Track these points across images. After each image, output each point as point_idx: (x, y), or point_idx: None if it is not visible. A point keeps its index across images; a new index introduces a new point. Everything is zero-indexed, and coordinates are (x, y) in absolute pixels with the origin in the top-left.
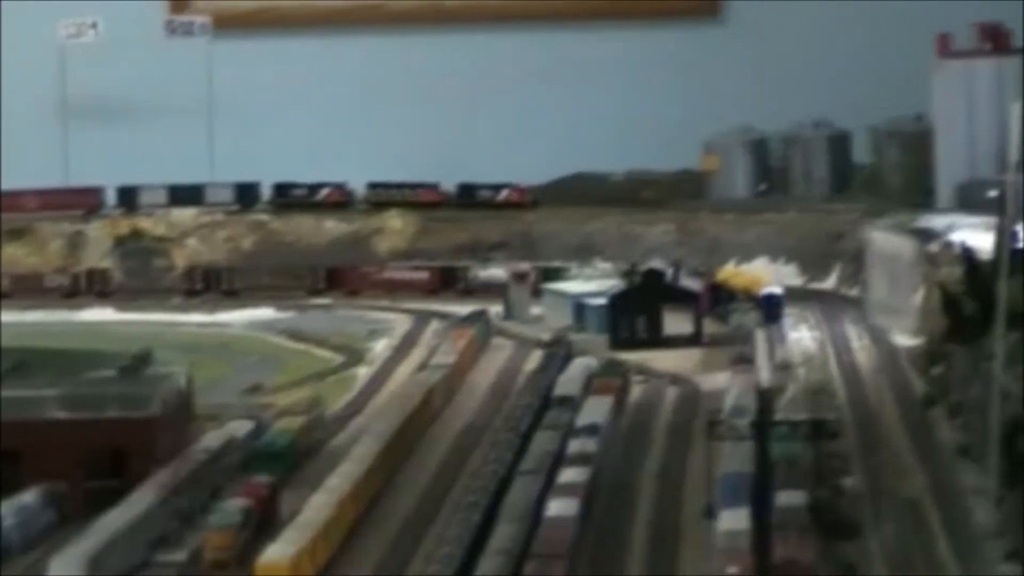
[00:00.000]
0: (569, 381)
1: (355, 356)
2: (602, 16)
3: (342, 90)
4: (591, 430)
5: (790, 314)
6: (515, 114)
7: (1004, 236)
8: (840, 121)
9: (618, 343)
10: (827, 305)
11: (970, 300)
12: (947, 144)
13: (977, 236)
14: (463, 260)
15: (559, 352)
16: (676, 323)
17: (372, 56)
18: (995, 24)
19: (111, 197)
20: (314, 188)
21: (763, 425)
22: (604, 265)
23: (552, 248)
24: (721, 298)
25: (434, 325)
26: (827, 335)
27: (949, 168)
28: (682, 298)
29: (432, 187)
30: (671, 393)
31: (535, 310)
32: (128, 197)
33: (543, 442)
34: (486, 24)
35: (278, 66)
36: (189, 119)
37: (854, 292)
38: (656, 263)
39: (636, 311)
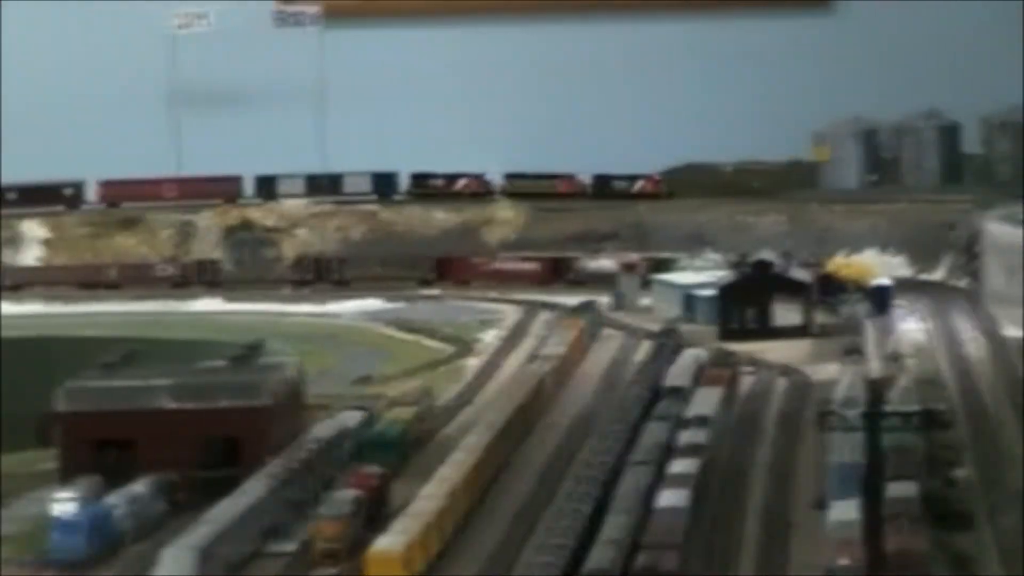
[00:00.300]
0: (679, 372)
1: (465, 346)
2: (714, 5)
3: (450, 79)
4: (702, 421)
5: (900, 305)
6: (626, 103)
7: None
8: (950, 112)
9: (728, 333)
10: (937, 296)
11: None
12: None
13: None
14: (573, 250)
15: (669, 343)
16: (786, 313)
17: (479, 45)
18: None
19: (249, 186)
20: (452, 178)
21: (874, 416)
22: (714, 255)
23: (663, 238)
24: (831, 289)
25: (544, 315)
26: (937, 326)
27: None
28: (792, 289)
29: (569, 177)
30: (781, 384)
31: (645, 301)
32: (266, 186)
33: (654, 433)
34: (597, 13)
35: (385, 56)
36: (299, 108)
37: (964, 283)
38: (766, 253)
39: (746, 302)
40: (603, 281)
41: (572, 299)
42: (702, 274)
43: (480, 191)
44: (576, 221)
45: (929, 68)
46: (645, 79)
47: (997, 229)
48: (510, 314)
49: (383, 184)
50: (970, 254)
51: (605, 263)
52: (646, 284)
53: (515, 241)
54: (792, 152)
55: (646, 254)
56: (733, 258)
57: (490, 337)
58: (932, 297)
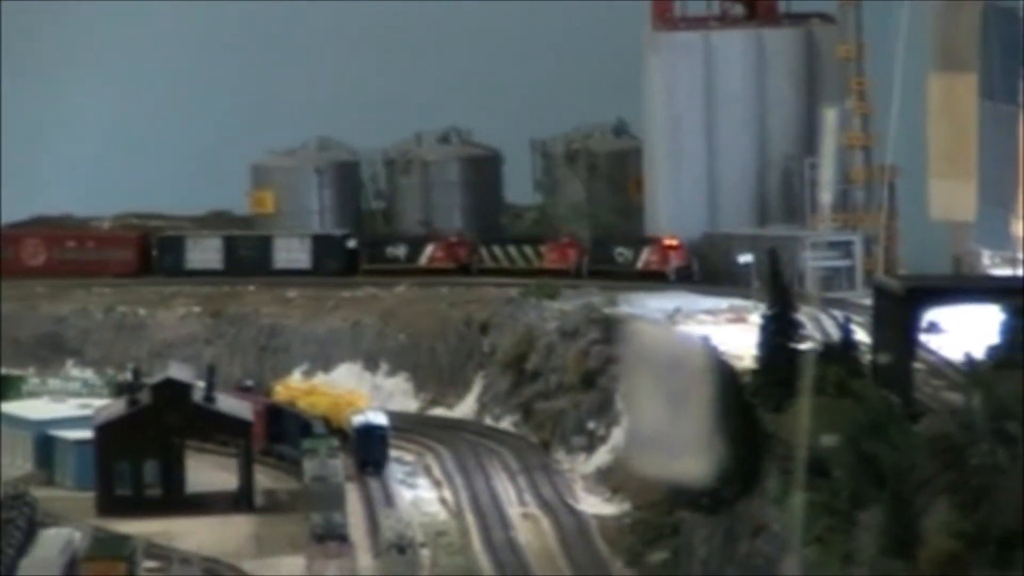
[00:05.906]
0: (39, 567)
1: None
2: None
3: None
4: None
5: (401, 458)
6: None
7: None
8: None
9: (112, 504)
10: (465, 441)
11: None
12: None
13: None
14: None
15: (17, 519)
16: (211, 470)
17: None
18: None
19: None
20: None
21: None
22: (84, 373)
23: None
24: (287, 428)
25: None
26: (465, 493)
27: None
28: (221, 428)
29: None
30: None
31: None
32: None
33: None
34: None
35: None
36: None
37: (510, 422)
38: (177, 369)
39: (142, 450)
40: None
41: None
42: (65, 403)
43: None
44: None
45: None
46: None
47: (648, 330)
48: None
49: None
50: None
51: None
52: None
53: None
54: None
55: None
56: (118, 375)
57: None
58: (456, 446)
